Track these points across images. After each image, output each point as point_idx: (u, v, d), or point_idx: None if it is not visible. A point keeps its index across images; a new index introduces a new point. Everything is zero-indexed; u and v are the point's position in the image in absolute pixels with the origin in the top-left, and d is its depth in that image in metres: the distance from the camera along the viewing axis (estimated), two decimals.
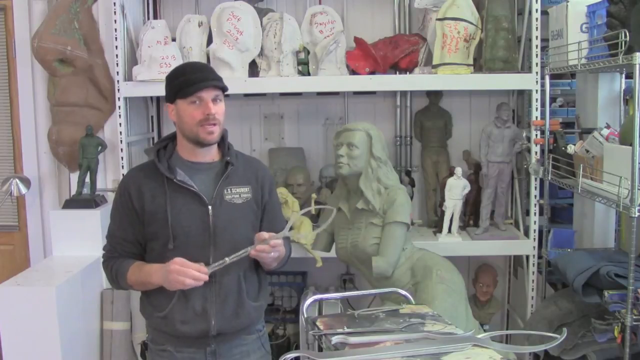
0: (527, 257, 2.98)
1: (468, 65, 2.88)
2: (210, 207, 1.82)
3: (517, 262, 3.33)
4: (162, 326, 1.86)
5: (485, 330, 2.78)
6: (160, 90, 2.97)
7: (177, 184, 1.81)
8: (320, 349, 1.75)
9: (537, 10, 2.83)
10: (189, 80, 1.79)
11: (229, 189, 1.86)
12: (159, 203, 1.81)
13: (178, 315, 1.82)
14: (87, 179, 3.09)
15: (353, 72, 3.05)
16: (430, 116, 3.29)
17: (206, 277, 1.72)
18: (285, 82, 2.97)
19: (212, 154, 1.89)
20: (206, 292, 1.82)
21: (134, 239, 1.87)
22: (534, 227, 2.94)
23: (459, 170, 2.90)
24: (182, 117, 1.81)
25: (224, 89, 1.83)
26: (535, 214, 2.94)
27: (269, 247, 1.75)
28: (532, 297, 2.97)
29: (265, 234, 1.76)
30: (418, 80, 2.97)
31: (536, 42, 2.85)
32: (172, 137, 1.92)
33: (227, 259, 1.72)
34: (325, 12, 3.07)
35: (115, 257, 1.89)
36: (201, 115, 1.78)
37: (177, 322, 1.82)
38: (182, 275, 1.69)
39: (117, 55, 3.00)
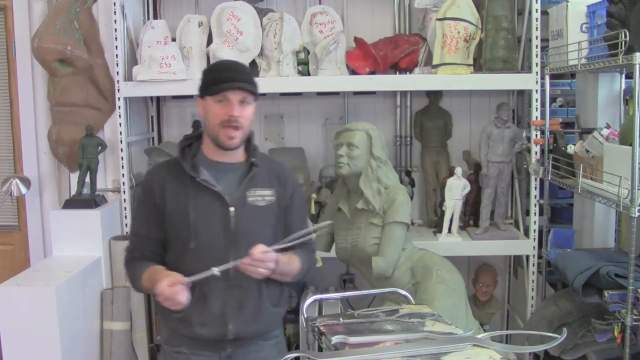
0: (527, 257, 2.98)
1: (468, 65, 2.88)
2: (232, 208, 1.78)
3: (517, 262, 3.33)
4: (179, 328, 1.83)
5: (485, 330, 2.78)
6: (160, 90, 3.04)
7: (200, 184, 1.78)
8: (320, 349, 1.75)
9: (537, 10, 2.83)
10: (218, 78, 1.76)
11: (252, 191, 1.82)
12: (181, 202, 1.78)
13: (196, 317, 1.79)
14: (87, 179, 3.09)
15: (353, 72, 3.05)
16: (430, 116, 3.28)
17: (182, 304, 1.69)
18: (285, 82, 2.98)
19: (237, 155, 1.85)
20: (225, 295, 1.78)
21: (156, 237, 1.84)
22: (534, 227, 2.94)
23: (459, 170, 2.90)
24: (208, 114, 1.79)
25: (252, 91, 1.79)
26: (535, 214, 2.94)
27: (249, 260, 1.67)
28: (532, 297, 2.97)
29: (260, 247, 1.70)
30: (418, 80, 2.97)
31: (536, 42, 2.85)
32: (198, 136, 1.89)
33: (215, 269, 1.67)
34: (325, 12, 3.07)
35: (136, 258, 1.86)
36: (224, 116, 1.75)
37: (195, 324, 1.79)
38: (169, 302, 1.68)
39: (117, 55, 3.00)
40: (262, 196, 1.83)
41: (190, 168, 1.79)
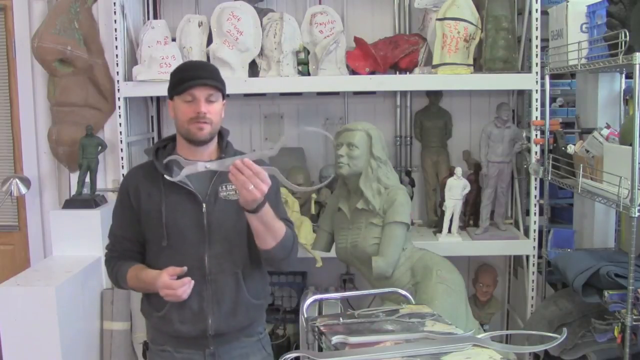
0: (527, 257, 2.98)
1: (468, 65, 2.88)
2: (204, 204, 1.82)
3: (517, 262, 3.33)
4: (162, 326, 1.87)
5: (485, 330, 2.78)
6: (160, 90, 3.02)
7: (172, 183, 1.80)
8: (320, 349, 1.75)
9: (537, 10, 2.83)
10: (183, 77, 1.80)
11: (223, 186, 1.85)
12: (154, 201, 1.83)
13: (176, 315, 1.83)
14: (87, 179, 3.09)
15: (353, 72, 3.05)
16: (430, 116, 3.28)
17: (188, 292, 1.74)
18: (285, 82, 2.97)
19: (209, 153, 1.89)
20: (202, 291, 1.82)
21: (133, 237, 1.89)
22: (534, 227, 2.94)
23: (459, 170, 2.90)
24: (177, 113, 1.83)
25: (219, 88, 1.82)
26: (535, 214, 2.94)
27: (240, 163, 1.62)
28: (532, 297, 2.97)
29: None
30: (418, 80, 2.97)
31: (536, 42, 2.85)
32: (173, 138, 1.94)
33: (206, 164, 1.68)
34: (325, 12, 3.06)
35: (116, 257, 1.93)
36: (192, 114, 1.79)
37: (175, 322, 1.83)
38: (172, 296, 1.73)
39: (117, 55, 3.00)
40: (234, 190, 1.82)
41: (163, 168, 1.82)
